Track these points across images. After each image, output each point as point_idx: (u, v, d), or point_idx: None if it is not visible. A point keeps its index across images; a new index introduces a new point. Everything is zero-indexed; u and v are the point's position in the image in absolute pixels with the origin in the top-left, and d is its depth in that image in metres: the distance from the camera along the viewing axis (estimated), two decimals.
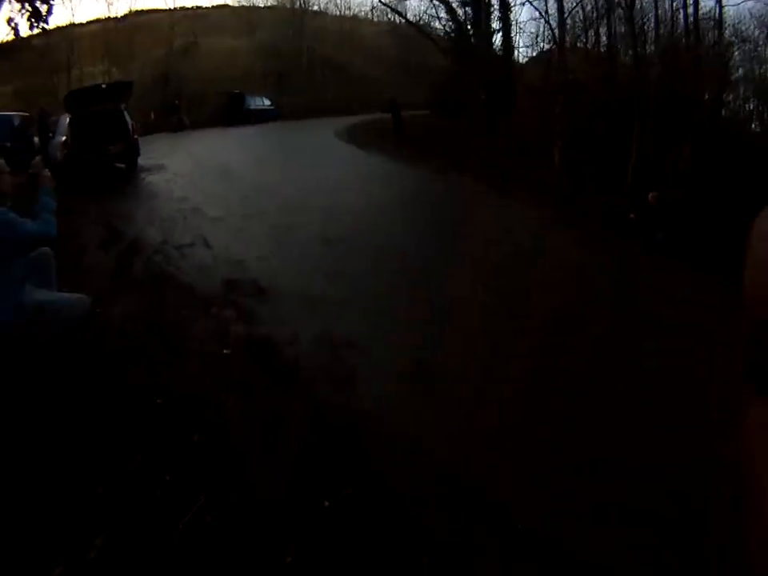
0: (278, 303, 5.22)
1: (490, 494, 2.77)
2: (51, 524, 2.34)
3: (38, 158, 12.61)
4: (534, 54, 25.09)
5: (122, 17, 42.48)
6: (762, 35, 23.26)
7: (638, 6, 20.74)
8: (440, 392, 3.81)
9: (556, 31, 20.42)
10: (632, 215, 11.80)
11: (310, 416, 3.37)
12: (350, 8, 64.89)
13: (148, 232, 7.79)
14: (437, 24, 26.21)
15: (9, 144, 16.15)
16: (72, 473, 2.65)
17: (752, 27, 23.54)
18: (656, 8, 19.02)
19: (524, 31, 33.08)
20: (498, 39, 23.54)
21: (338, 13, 61.27)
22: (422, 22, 27.04)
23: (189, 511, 2.45)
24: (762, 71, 23.14)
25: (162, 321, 4.65)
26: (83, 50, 37.84)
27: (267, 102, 37.38)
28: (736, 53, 22.90)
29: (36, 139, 18.37)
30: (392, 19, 28.57)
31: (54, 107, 22.56)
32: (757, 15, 22.29)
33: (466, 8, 24.15)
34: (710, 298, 6.73)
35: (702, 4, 16.73)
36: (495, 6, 23.18)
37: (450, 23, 24.93)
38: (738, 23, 22.91)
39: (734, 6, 22.68)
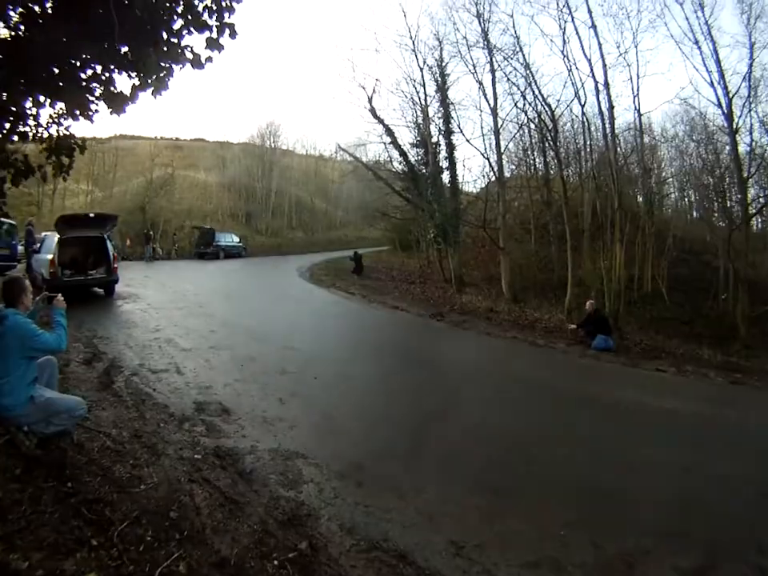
0: (240, 421, 6.07)
1: None
2: None
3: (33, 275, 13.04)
4: (482, 187, 26.85)
5: (107, 138, 44.87)
6: (686, 131, 26.56)
7: (571, 129, 23.44)
8: (368, 486, 4.72)
9: (495, 166, 22.11)
10: (572, 325, 13.32)
11: (264, 503, 4.24)
12: (315, 148, 68.69)
13: (126, 354, 8.56)
14: (391, 166, 27.54)
15: None
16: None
17: (675, 126, 27.27)
18: (585, 130, 21.00)
19: (470, 169, 35.47)
20: (446, 177, 25.02)
21: (304, 152, 65.15)
22: (378, 164, 28.72)
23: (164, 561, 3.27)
24: (689, 163, 26.16)
25: (143, 430, 5.47)
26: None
27: (236, 239, 38.72)
28: (665, 152, 26.13)
29: (20, 248, 19.19)
30: (353, 160, 29.93)
31: (36, 218, 23.59)
32: (674, 115, 25.62)
33: (417, 149, 25.67)
34: None
35: (624, 118, 18.75)
36: (442, 146, 24.86)
37: (403, 165, 26.20)
38: (664, 124, 26.12)
39: (651, 111, 25.48)
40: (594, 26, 18.46)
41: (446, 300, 19.48)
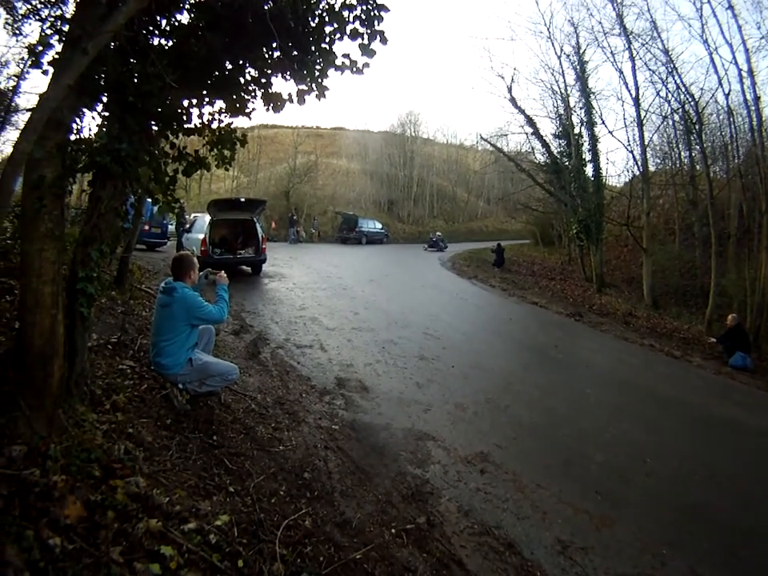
0: (378, 399, 6.47)
1: None
2: None
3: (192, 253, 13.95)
4: (626, 181, 25.83)
5: (249, 127, 46.03)
6: None
7: (717, 121, 21.66)
8: (490, 474, 4.91)
9: (639, 160, 20.94)
10: (712, 339, 12.66)
11: (391, 477, 4.55)
12: (455, 137, 67.76)
13: (273, 329, 9.22)
14: (533, 157, 27.04)
15: (147, 228, 18.42)
16: None
17: None
18: (730, 122, 19.46)
19: (613, 162, 33.49)
20: (589, 170, 23.90)
21: (445, 141, 64.38)
22: (520, 155, 28.23)
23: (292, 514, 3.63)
24: None
25: (286, 398, 5.99)
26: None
27: (378, 226, 39.49)
28: None
29: (171, 228, 20.81)
30: (494, 151, 29.23)
31: (185, 200, 25.35)
32: None
33: (560, 140, 24.82)
34: None
35: None
36: (585, 138, 23.75)
37: (545, 157, 25.62)
38: None
39: None
40: (731, 7, 16.93)
41: (586, 299, 19.04)
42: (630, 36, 20.10)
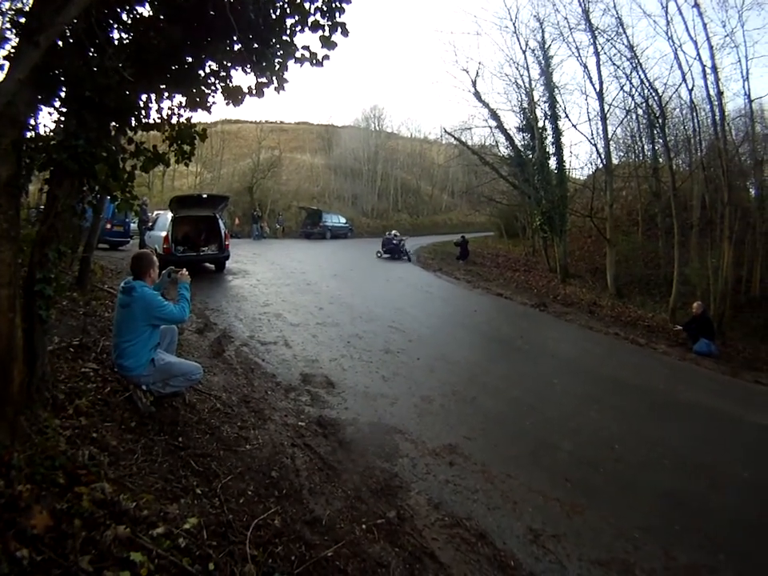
0: (344, 394, 6.44)
1: None
2: None
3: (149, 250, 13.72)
4: (589, 173, 26.16)
5: (213, 122, 45.81)
6: None
7: (680, 115, 22.13)
8: (459, 466, 4.94)
9: (602, 153, 21.26)
10: (678, 326, 12.93)
11: (359, 472, 4.54)
12: (420, 131, 68.06)
13: (237, 326, 9.11)
14: (497, 150, 27.35)
15: (109, 226, 18.15)
16: None
17: None
18: (693, 117, 19.90)
19: (576, 155, 33.98)
20: (552, 163, 24.17)
21: (409, 135, 64.46)
22: (484, 148, 28.46)
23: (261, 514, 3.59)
24: None
25: (251, 396, 5.92)
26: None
27: (343, 220, 39.34)
28: None
29: (133, 226, 20.50)
30: (458, 144, 29.40)
31: (148, 197, 25.12)
32: None
33: (524, 134, 25.11)
34: None
35: (734, 103, 17.35)
36: (549, 132, 24.10)
37: (509, 150, 25.88)
38: None
39: (763, 97, 23.44)
40: (696, 5, 17.20)
41: (550, 290, 19.27)
42: (596, 32, 20.37)
